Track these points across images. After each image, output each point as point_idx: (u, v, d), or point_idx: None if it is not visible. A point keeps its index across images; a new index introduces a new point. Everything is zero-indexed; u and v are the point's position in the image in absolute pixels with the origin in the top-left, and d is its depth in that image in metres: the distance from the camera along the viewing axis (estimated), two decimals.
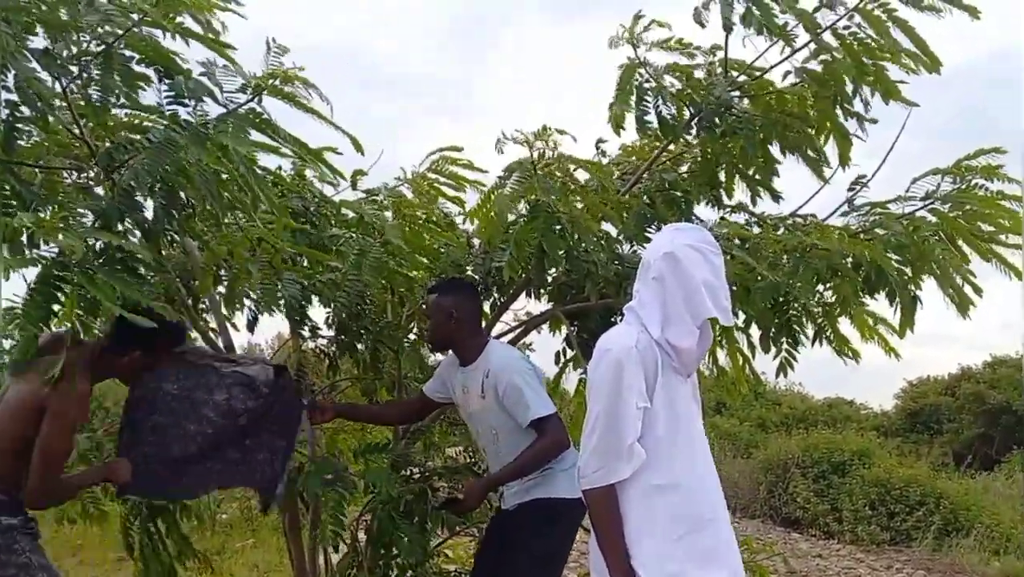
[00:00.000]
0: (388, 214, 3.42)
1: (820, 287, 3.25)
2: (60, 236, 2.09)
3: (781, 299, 3.11)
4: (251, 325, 3.42)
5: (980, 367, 15.72)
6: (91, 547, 6.62)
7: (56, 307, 2.10)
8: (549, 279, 3.32)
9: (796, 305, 3.16)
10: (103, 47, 2.35)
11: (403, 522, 3.09)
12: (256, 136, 2.54)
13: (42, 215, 2.44)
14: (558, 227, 3.03)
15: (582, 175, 3.38)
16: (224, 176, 2.52)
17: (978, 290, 3.19)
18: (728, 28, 3.04)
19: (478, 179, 3.59)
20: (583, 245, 3.08)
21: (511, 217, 3.05)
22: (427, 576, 3.52)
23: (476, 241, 3.55)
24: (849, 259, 3.10)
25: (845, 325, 3.33)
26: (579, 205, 3.15)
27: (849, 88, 3.11)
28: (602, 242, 3.19)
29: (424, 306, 3.15)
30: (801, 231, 3.17)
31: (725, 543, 2.21)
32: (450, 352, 3.13)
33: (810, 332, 3.29)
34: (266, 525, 6.90)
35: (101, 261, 2.20)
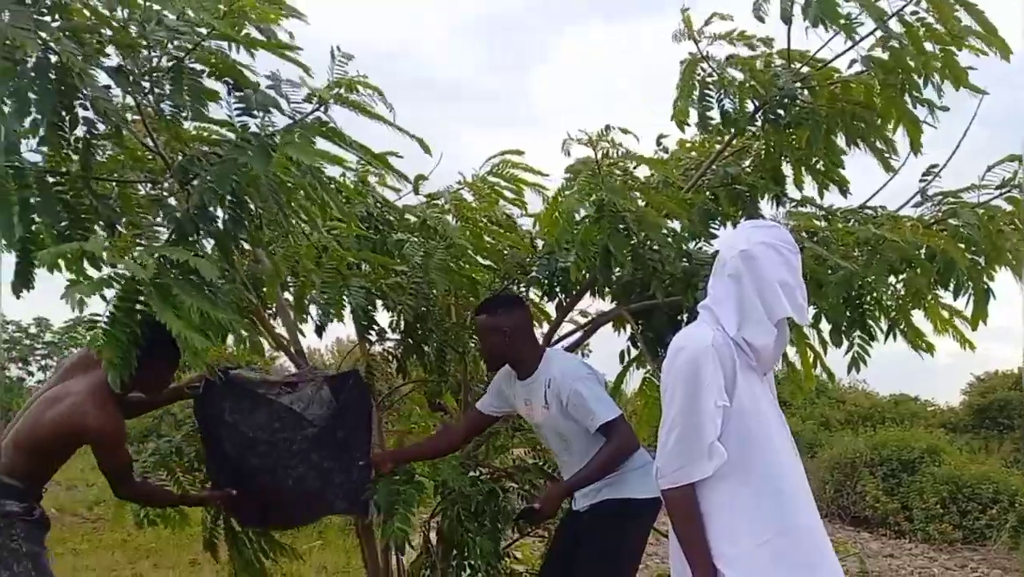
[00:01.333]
0: (450, 218, 3.44)
1: (892, 279, 3.18)
2: (126, 258, 2.13)
3: (854, 292, 3.04)
4: (319, 330, 3.47)
5: None
6: (165, 550, 6.77)
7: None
8: (614, 278, 3.30)
9: (869, 298, 3.09)
10: (173, 62, 2.40)
11: (473, 524, 3.09)
12: (323, 144, 2.57)
13: (119, 229, 2.53)
14: (622, 226, 3.01)
15: (642, 172, 3.36)
16: (291, 185, 2.56)
17: None
18: (787, 20, 2.99)
19: (537, 181, 3.60)
20: (649, 243, 3.05)
21: (576, 217, 3.03)
22: None
23: (539, 242, 3.55)
24: (923, 250, 3.02)
25: (917, 317, 3.26)
26: (642, 203, 3.12)
27: (918, 75, 3.04)
28: (669, 239, 3.16)
29: (475, 326, 3.14)
30: (872, 223, 3.09)
31: (818, 550, 2.14)
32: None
33: (883, 325, 3.21)
34: (333, 527, 6.96)
35: (176, 273, 2.23)
